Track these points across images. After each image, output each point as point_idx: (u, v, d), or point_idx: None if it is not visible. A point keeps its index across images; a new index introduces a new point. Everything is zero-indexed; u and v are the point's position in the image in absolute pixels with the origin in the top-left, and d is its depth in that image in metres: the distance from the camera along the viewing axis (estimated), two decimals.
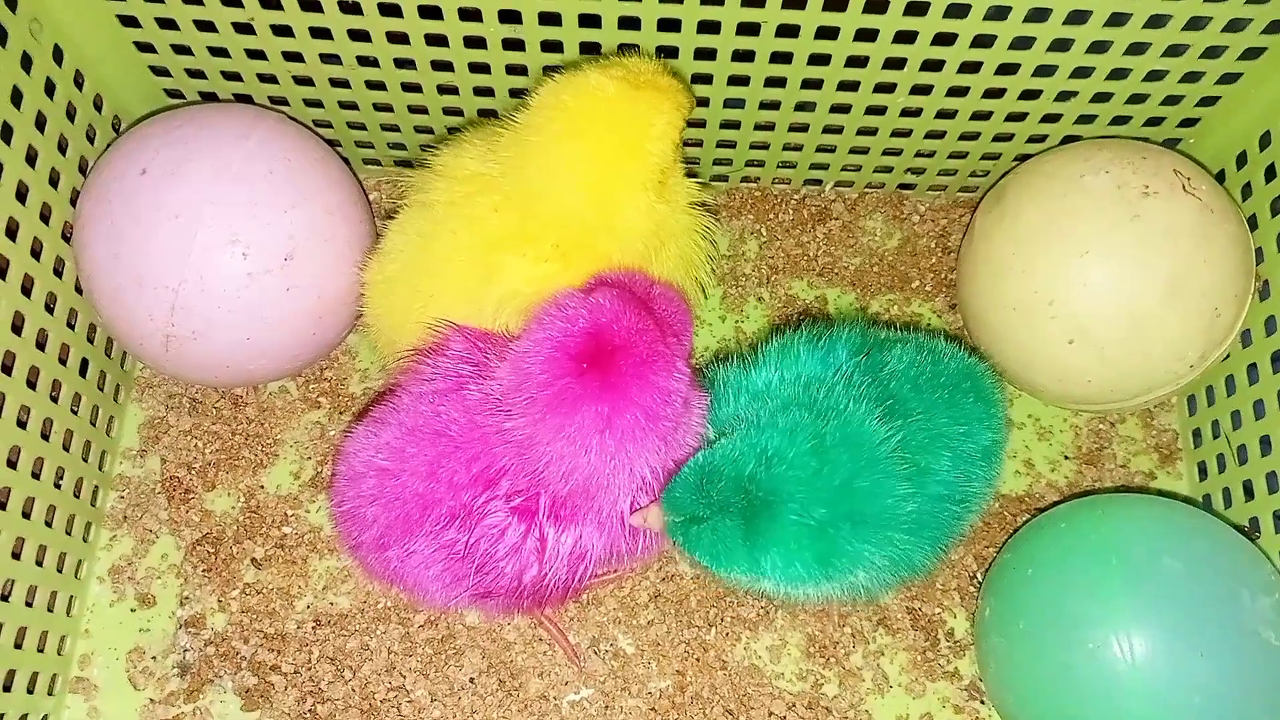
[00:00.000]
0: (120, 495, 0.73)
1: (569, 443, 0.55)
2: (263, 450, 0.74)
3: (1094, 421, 0.77)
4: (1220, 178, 0.73)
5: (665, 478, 0.58)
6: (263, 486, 0.73)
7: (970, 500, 0.62)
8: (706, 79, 0.70)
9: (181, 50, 0.70)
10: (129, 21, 0.68)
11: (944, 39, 0.65)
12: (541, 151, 0.62)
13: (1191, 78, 0.69)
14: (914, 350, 0.62)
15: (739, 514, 0.55)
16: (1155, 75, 0.69)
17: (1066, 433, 0.77)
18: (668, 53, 0.67)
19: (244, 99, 0.75)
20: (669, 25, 0.65)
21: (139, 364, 0.76)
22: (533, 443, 0.56)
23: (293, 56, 0.69)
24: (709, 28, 0.65)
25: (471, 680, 0.68)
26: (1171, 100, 0.71)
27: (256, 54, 0.69)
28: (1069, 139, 0.75)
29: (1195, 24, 0.64)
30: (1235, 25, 0.64)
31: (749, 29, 0.65)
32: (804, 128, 0.75)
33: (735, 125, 0.75)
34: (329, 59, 0.69)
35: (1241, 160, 0.73)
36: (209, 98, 0.75)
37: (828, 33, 0.65)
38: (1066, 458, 0.76)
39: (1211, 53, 0.66)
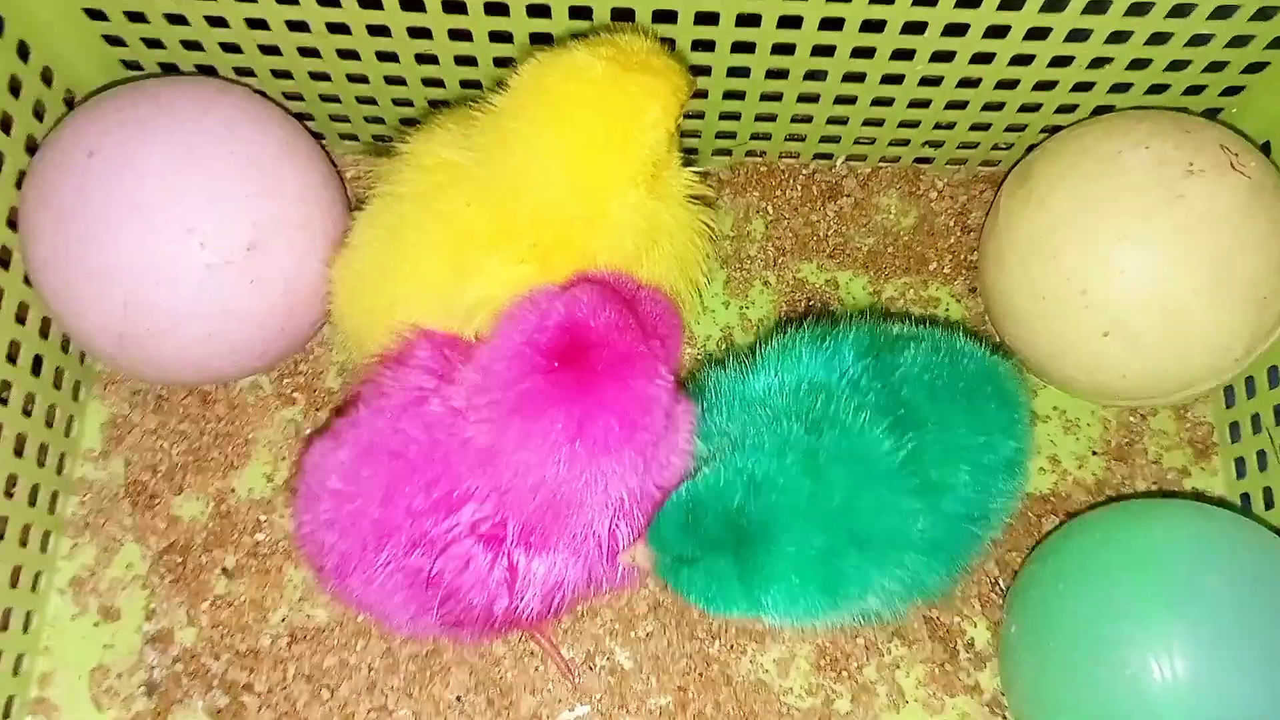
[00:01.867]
0: (81, 501, 0.68)
1: (536, 451, 0.49)
2: (234, 451, 0.70)
3: (1123, 414, 0.72)
4: (1264, 150, 0.67)
5: (648, 506, 0.53)
6: (234, 490, 0.69)
7: (990, 517, 0.57)
8: (709, 45, 0.64)
9: (136, 18, 0.64)
10: None
11: (968, 1, 0.59)
12: (520, 139, 0.57)
13: (1239, 42, 0.63)
14: (929, 350, 0.57)
15: (731, 551, 0.50)
16: (1199, 40, 0.63)
17: (1094, 426, 0.72)
18: (666, 17, 0.61)
19: (207, 70, 0.69)
20: None
21: None
22: (497, 452, 0.50)
23: (258, 23, 0.64)
24: None
25: (459, 699, 0.64)
26: (1215, 67, 0.66)
27: (218, 21, 0.64)
28: (1100, 109, 0.69)
29: None
30: None
31: None
32: (814, 98, 0.69)
33: (740, 95, 0.70)
34: (297, 26, 0.64)
35: None
36: (169, 69, 0.70)
37: None
38: (1094, 453, 0.72)
39: (1264, 14, 0.61)
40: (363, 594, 0.55)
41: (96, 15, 0.65)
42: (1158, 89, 0.68)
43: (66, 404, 0.68)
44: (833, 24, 0.62)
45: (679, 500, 0.52)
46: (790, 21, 0.61)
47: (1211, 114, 0.70)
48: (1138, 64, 0.65)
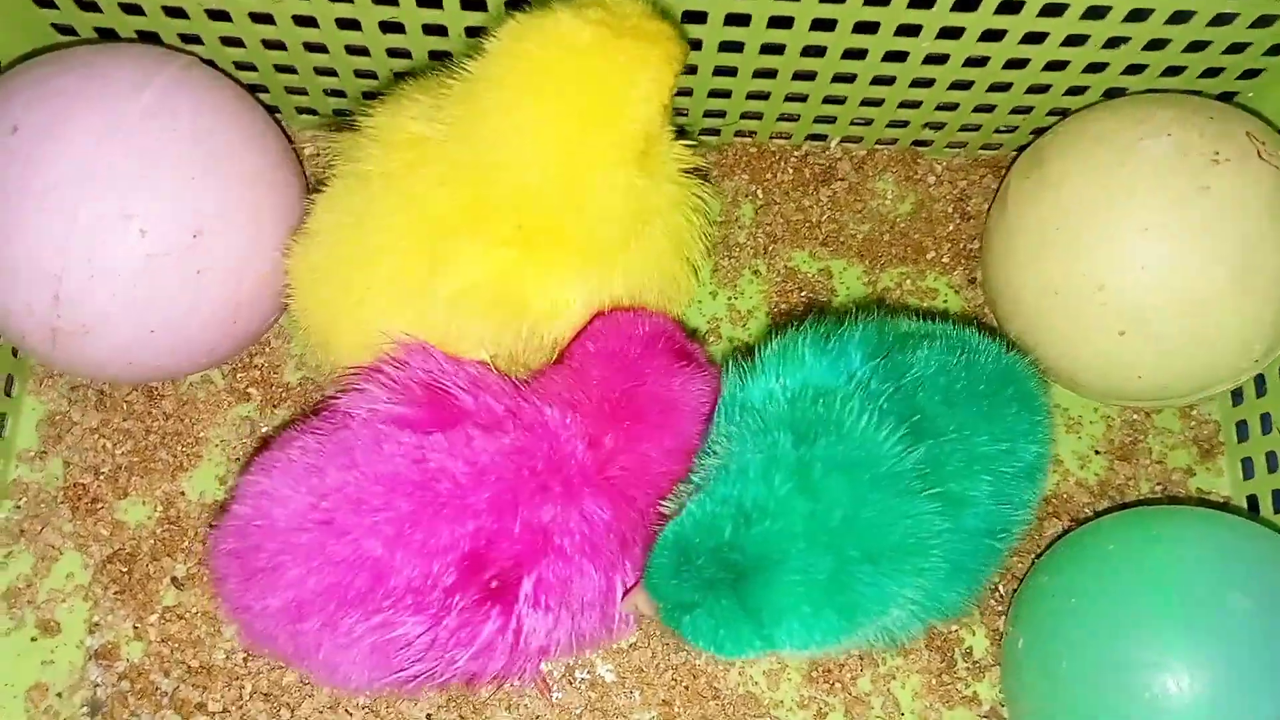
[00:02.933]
0: (16, 505, 0.64)
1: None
2: (183, 451, 0.65)
3: (1127, 412, 0.70)
4: None
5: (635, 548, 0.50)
6: (183, 493, 0.65)
7: (1011, 529, 0.53)
8: (700, 17, 0.60)
9: None
10: None
11: None
12: (496, 112, 0.52)
13: (1265, 21, 0.60)
14: (944, 350, 0.53)
15: (730, 590, 0.46)
16: (1222, 19, 0.59)
17: (1097, 424, 0.69)
18: None
19: (149, 37, 0.64)
20: None
21: None
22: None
23: None
24: None
25: (429, 717, 0.61)
26: (1236, 48, 0.62)
27: None
28: (1112, 91, 0.66)
29: None
30: None
31: None
32: (810, 75, 0.65)
33: (731, 72, 0.65)
34: None
35: None
36: (108, 35, 0.64)
37: None
38: (1097, 452, 0.69)
39: None
40: (313, 642, 0.49)
41: None
42: (1173, 71, 0.64)
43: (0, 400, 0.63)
44: None
45: (665, 543, 0.48)
46: None
47: (1227, 98, 0.66)
48: (1156, 44, 0.61)
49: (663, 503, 0.52)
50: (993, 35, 0.61)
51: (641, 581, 0.49)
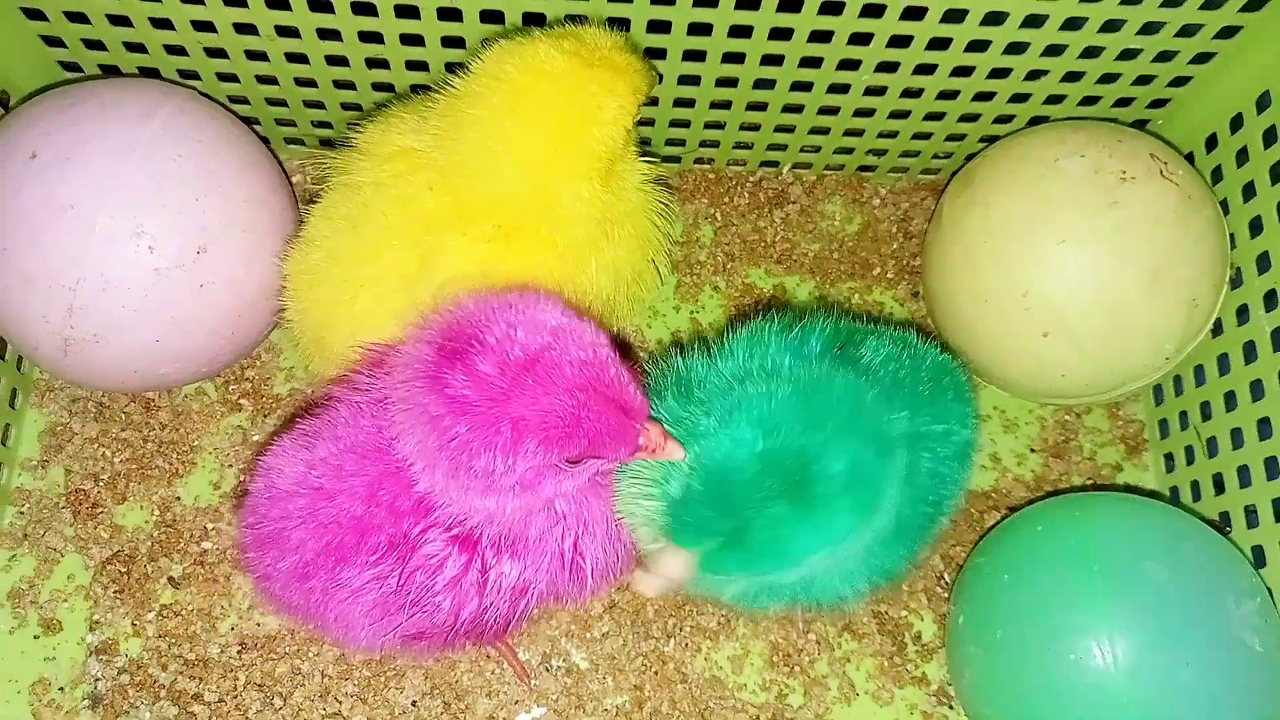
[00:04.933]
0: (20, 511, 0.67)
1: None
2: (178, 458, 0.68)
3: (1060, 413, 0.75)
4: (1189, 160, 0.71)
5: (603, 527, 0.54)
6: (179, 498, 0.68)
7: (944, 503, 0.58)
8: (660, 53, 0.65)
9: (76, 18, 0.63)
10: None
11: (913, 13, 0.61)
12: (477, 125, 0.57)
13: (1165, 56, 0.66)
14: (890, 344, 0.58)
15: (783, 494, 0.49)
16: (1129, 54, 0.66)
17: (1032, 425, 0.75)
18: (619, 24, 0.62)
19: (150, 73, 0.68)
20: None
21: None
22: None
23: (203, 25, 0.63)
24: None
25: (414, 704, 0.64)
26: (1143, 80, 0.68)
27: (162, 22, 0.63)
28: (1036, 119, 0.72)
29: (1172, 0, 0.61)
30: (1212, 2, 0.61)
31: (706, 0, 0.60)
32: (762, 106, 0.71)
33: (690, 103, 0.71)
34: (244, 28, 0.63)
35: (1212, 143, 0.70)
36: (110, 71, 0.68)
37: (790, 4, 0.60)
38: (1033, 450, 0.74)
39: (1187, 31, 0.64)
40: (323, 599, 0.54)
41: (35, 15, 0.63)
42: (1090, 100, 0.70)
43: (4, 412, 0.66)
44: (782, 34, 0.63)
45: (703, 479, 0.51)
46: (741, 31, 0.63)
47: (1140, 125, 0.73)
48: (1071, 76, 0.68)
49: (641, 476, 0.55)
50: (925, 69, 0.66)
51: (673, 538, 0.52)
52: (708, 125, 0.73)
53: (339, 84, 0.68)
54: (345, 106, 0.71)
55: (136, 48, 0.65)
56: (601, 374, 0.49)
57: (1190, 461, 0.70)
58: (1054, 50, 0.65)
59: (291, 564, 0.54)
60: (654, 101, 0.70)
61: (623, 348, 0.60)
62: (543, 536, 0.54)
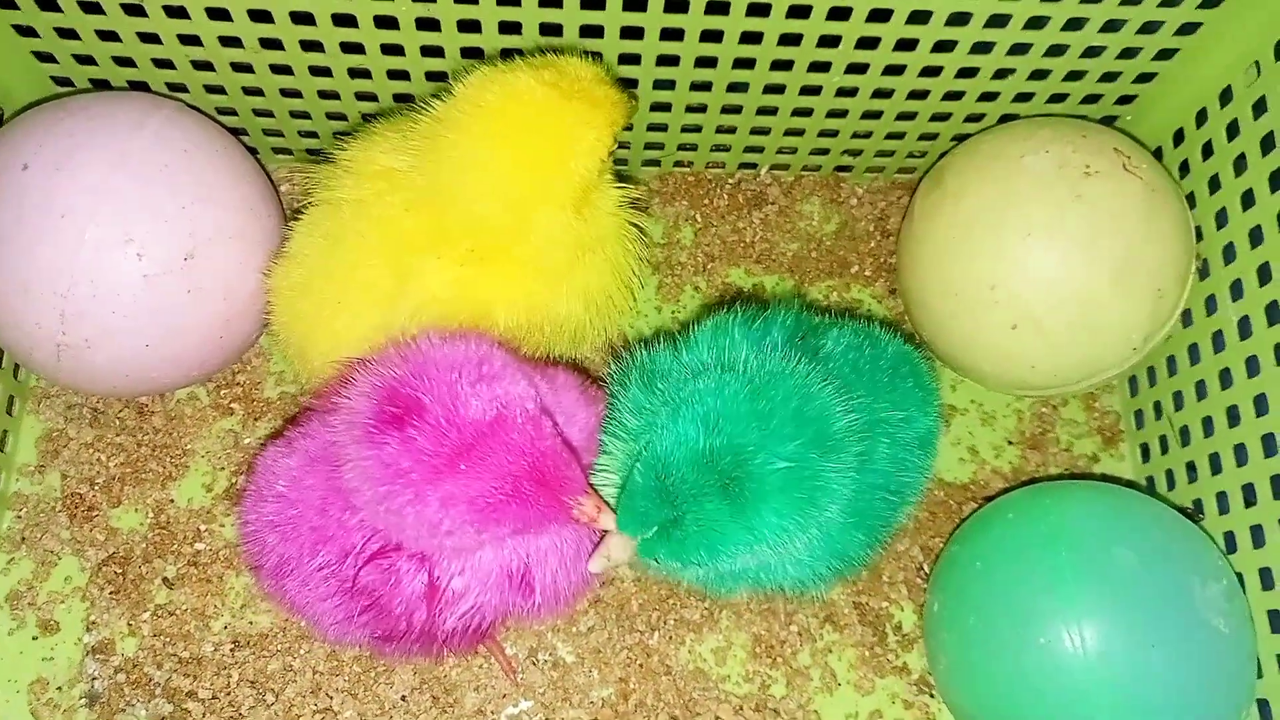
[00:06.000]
0: (17, 515, 0.68)
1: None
2: (171, 462, 0.70)
3: (1036, 405, 0.76)
4: (1158, 155, 0.72)
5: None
6: (173, 501, 0.69)
7: (906, 491, 0.60)
8: (634, 59, 0.67)
9: (67, 34, 0.65)
10: (6, 3, 0.62)
11: (879, 15, 0.63)
12: (455, 151, 0.58)
13: (1129, 54, 0.68)
14: (851, 333, 0.60)
15: (716, 491, 0.51)
16: (1092, 51, 0.67)
17: (1009, 417, 0.76)
18: (593, 31, 0.64)
19: (139, 86, 0.70)
20: (594, 3, 0.62)
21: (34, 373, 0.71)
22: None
23: (190, 39, 0.64)
24: (636, 3, 0.62)
25: (404, 698, 0.65)
26: (1109, 77, 0.70)
27: (150, 37, 0.65)
28: (1006, 118, 0.73)
29: None
30: None
31: (677, 5, 0.62)
32: (737, 109, 0.72)
33: (666, 107, 0.72)
34: (230, 42, 0.65)
35: (1179, 137, 0.72)
36: (101, 85, 0.70)
37: (759, 9, 0.62)
38: (1010, 443, 0.75)
39: (1148, 28, 0.65)
40: (297, 597, 0.56)
41: (26, 32, 0.65)
42: (1058, 98, 0.72)
43: (1, 419, 0.68)
44: (753, 38, 0.64)
45: (645, 470, 0.52)
46: (712, 35, 0.64)
47: (1109, 121, 0.74)
48: (1038, 74, 0.69)
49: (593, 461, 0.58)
50: (894, 69, 0.68)
51: (614, 525, 0.54)
52: (685, 129, 0.75)
53: (323, 94, 0.70)
54: (330, 116, 0.72)
55: (126, 62, 0.67)
56: (538, 459, 0.50)
57: (1165, 451, 0.71)
58: (1019, 49, 0.66)
59: (271, 563, 0.56)
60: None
61: (582, 372, 0.63)
62: (492, 558, 0.55)
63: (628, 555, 0.55)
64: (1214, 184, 0.67)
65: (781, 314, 0.60)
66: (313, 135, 0.75)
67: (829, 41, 0.65)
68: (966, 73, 0.68)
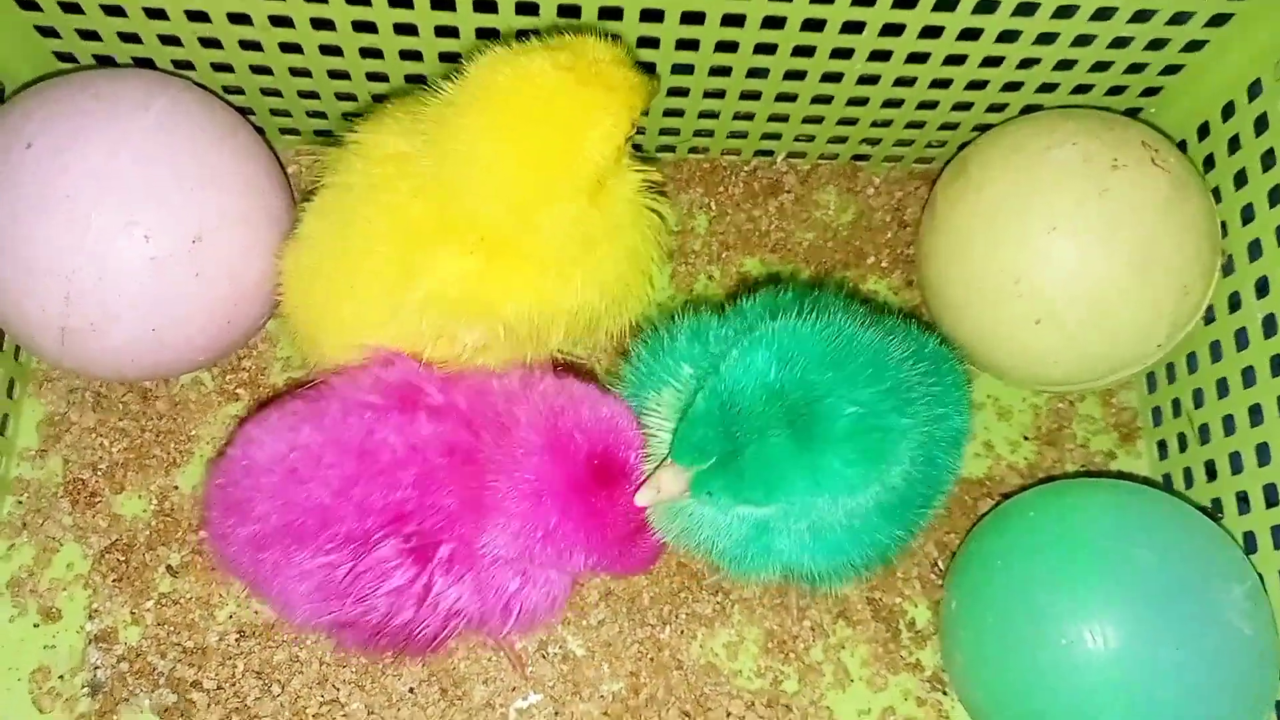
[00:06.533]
0: (18, 500, 0.67)
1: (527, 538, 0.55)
2: (176, 448, 0.69)
3: (1053, 400, 0.75)
4: (1181, 148, 0.71)
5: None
6: (176, 487, 0.68)
7: (936, 488, 0.59)
8: (653, 43, 0.65)
9: (71, 9, 0.63)
10: None
11: (905, 1, 0.61)
12: (465, 134, 0.56)
13: (1157, 44, 0.66)
14: (894, 329, 0.58)
15: (783, 425, 0.49)
16: (1120, 42, 0.66)
17: (1026, 413, 0.75)
18: (612, 13, 0.62)
19: (144, 63, 0.68)
20: None
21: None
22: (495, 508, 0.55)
23: (198, 15, 0.63)
24: None
25: (411, 690, 0.64)
26: (1135, 68, 0.69)
27: (156, 13, 0.63)
28: (1029, 108, 0.72)
29: None
30: None
31: None
32: (756, 95, 0.71)
33: (684, 93, 0.71)
34: (239, 19, 0.63)
35: (1204, 131, 0.70)
36: (105, 62, 0.68)
37: None
38: (1026, 438, 0.74)
39: (1178, 19, 0.64)
40: (272, 571, 0.56)
41: (29, 5, 0.63)
42: (1083, 89, 0.70)
43: (2, 402, 0.67)
44: (775, 22, 0.63)
45: (711, 397, 0.51)
46: (733, 20, 0.63)
47: (1132, 113, 0.73)
48: (1064, 65, 0.68)
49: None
50: (918, 57, 0.66)
51: (673, 452, 0.52)
52: (702, 115, 0.73)
53: (334, 74, 0.68)
54: (340, 97, 0.71)
55: (131, 38, 0.65)
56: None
57: (1183, 449, 0.70)
58: (1046, 39, 0.65)
59: (250, 532, 0.56)
60: None
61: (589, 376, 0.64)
62: (493, 574, 0.56)
63: (679, 489, 0.52)
64: (1240, 179, 0.66)
65: (829, 302, 0.58)
66: (321, 116, 0.73)
67: (853, 27, 0.64)
68: (991, 62, 0.67)
